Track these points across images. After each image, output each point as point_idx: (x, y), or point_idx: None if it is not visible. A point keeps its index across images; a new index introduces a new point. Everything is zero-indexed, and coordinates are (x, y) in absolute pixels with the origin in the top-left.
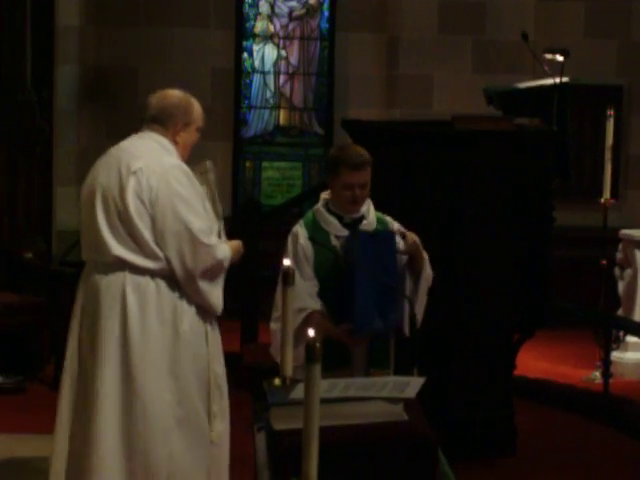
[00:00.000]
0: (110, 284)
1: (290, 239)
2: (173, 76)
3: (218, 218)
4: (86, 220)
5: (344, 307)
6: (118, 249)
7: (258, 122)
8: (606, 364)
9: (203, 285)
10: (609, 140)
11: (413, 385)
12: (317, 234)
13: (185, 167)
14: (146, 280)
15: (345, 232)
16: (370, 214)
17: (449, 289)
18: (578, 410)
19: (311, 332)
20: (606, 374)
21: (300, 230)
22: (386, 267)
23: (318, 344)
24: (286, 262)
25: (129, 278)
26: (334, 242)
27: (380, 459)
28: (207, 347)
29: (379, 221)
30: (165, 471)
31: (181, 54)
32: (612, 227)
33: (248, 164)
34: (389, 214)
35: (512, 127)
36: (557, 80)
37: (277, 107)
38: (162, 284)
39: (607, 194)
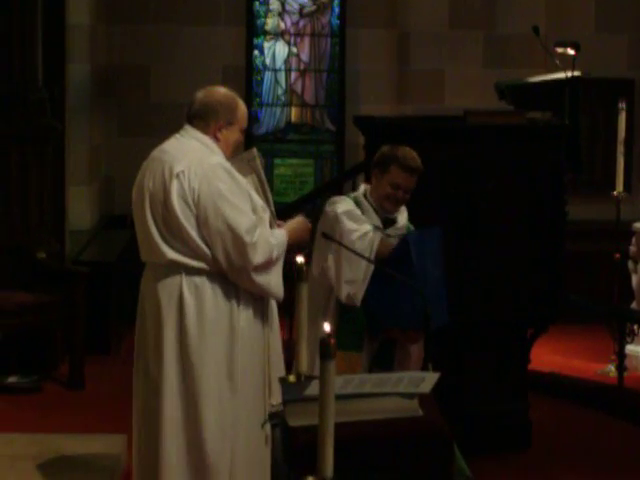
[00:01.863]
0: (167, 286)
1: (344, 201)
2: (184, 74)
3: (268, 204)
4: (139, 225)
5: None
6: (171, 253)
7: (270, 119)
8: (620, 358)
9: (259, 279)
10: (621, 133)
11: (428, 380)
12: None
13: (227, 164)
14: (202, 280)
15: (380, 225)
16: (402, 220)
17: (464, 284)
18: (592, 404)
19: (327, 327)
20: (620, 368)
21: (349, 201)
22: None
23: (333, 340)
24: (299, 259)
25: (185, 279)
26: None
27: (396, 454)
28: (264, 344)
29: (407, 230)
30: (227, 468)
31: (192, 52)
32: (625, 220)
33: (264, 164)
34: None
35: (524, 121)
36: (569, 74)
37: (288, 104)
38: (218, 283)
39: (620, 187)
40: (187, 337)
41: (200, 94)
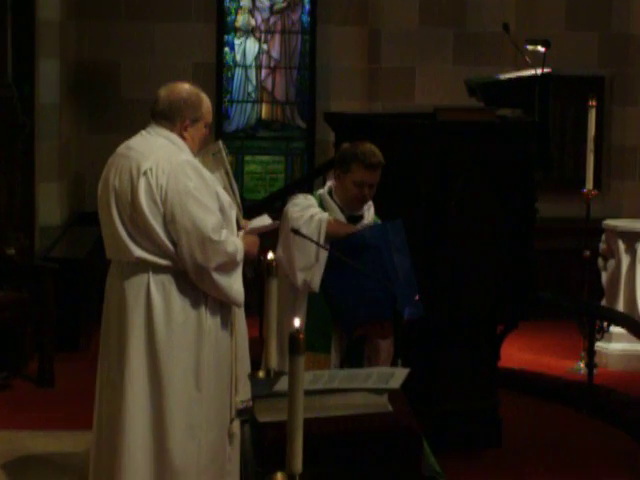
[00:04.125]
0: (134, 284)
1: (303, 197)
2: (155, 70)
3: (235, 197)
4: (105, 223)
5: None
6: (138, 251)
7: (240, 116)
8: (590, 355)
9: (220, 279)
10: (591, 131)
11: (397, 376)
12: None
13: (195, 162)
14: (169, 278)
15: (345, 222)
16: (369, 216)
17: (432, 281)
18: (563, 401)
19: (297, 322)
20: (590, 365)
21: (314, 200)
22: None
23: (302, 336)
24: (270, 256)
25: (153, 277)
26: None
27: (365, 450)
28: (231, 342)
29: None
30: (194, 468)
31: (163, 48)
32: (595, 218)
33: (230, 158)
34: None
35: (494, 118)
36: (539, 71)
37: (259, 101)
38: (185, 281)
39: (590, 185)
40: (155, 336)
41: (163, 92)
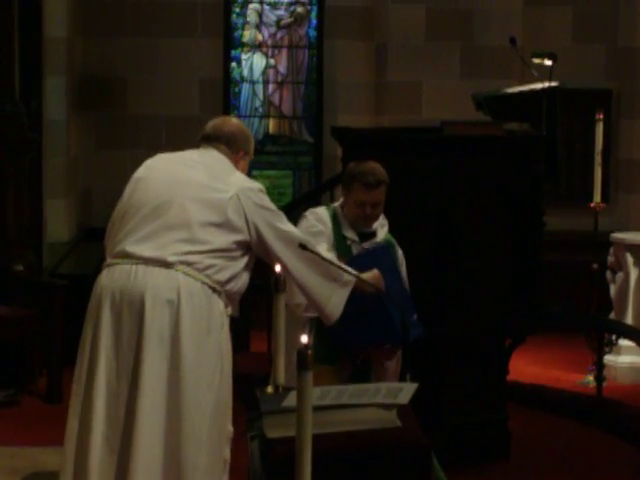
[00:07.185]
0: (159, 288)
1: (311, 216)
2: (162, 86)
3: None
4: (132, 224)
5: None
6: (173, 257)
7: None
8: (599, 368)
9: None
10: (599, 144)
11: (406, 391)
12: (336, 228)
13: (263, 187)
14: (197, 288)
15: (356, 238)
16: (382, 234)
17: (440, 295)
18: (572, 414)
19: (304, 338)
20: (599, 378)
21: (325, 214)
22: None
23: (310, 352)
24: (277, 269)
25: (183, 282)
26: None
27: (374, 466)
28: (231, 358)
29: (387, 243)
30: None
31: (169, 64)
32: (603, 231)
33: None
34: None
35: (501, 132)
36: (546, 84)
37: (266, 116)
38: (209, 292)
39: (598, 198)
40: (181, 346)
41: (219, 121)
